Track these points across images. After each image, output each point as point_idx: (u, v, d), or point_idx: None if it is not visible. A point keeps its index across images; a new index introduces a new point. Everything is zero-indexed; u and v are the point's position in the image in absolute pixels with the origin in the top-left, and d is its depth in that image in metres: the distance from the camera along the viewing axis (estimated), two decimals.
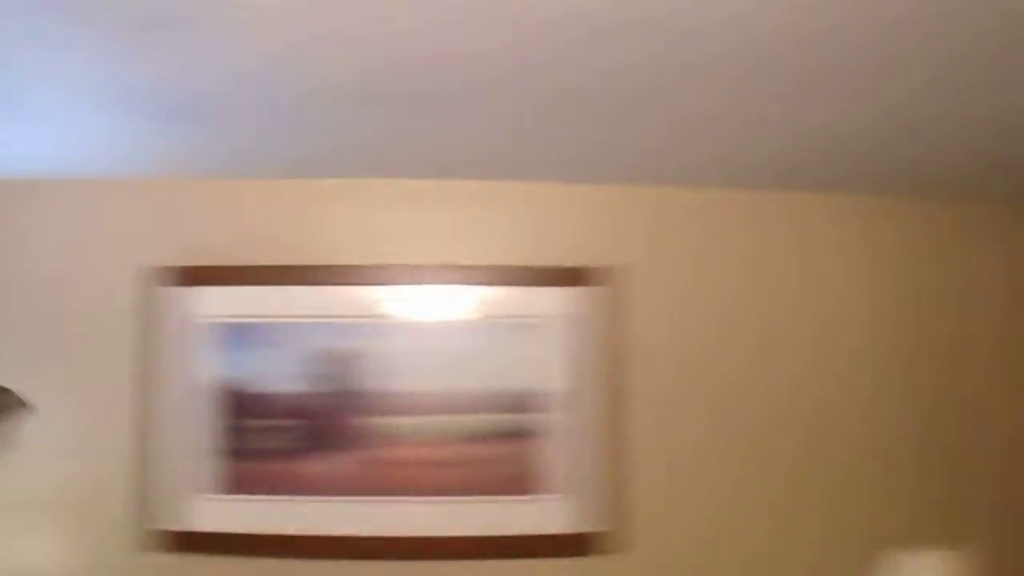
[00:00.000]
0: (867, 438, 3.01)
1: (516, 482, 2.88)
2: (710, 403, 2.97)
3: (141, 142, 2.70)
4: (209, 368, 2.92)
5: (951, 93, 2.29)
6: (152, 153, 2.80)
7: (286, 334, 2.92)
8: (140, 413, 2.94)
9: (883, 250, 3.12)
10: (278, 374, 2.91)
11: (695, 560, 2.91)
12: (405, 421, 2.88)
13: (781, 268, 3.06)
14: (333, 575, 2.90)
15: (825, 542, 2.94)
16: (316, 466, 2.90)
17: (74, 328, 2.98)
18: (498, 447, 2.88)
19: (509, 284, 2.91)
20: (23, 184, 3.02)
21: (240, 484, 2.92)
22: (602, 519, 2.88)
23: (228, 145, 2.73)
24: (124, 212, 3.05)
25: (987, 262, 3.16)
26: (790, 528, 2.95)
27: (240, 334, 2.93)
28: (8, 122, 2.55)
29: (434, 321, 2.93)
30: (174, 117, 2.48)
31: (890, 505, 2.98)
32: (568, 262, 2.95)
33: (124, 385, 2.96)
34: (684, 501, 2.93)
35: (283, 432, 2.92)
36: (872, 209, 3.12)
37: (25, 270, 3.02)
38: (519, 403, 2.89)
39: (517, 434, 2.88)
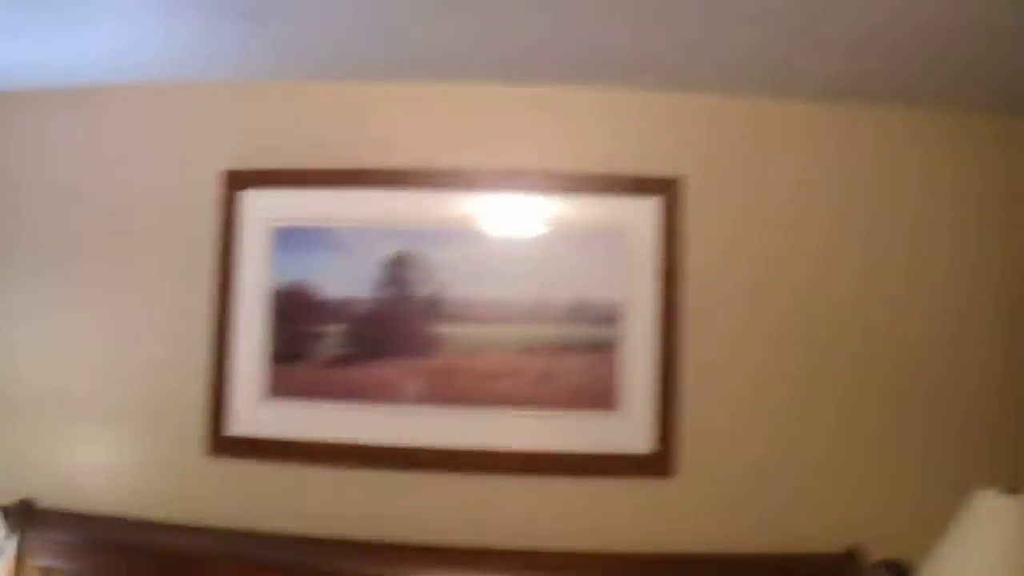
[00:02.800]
0: (938, 363, 2.91)
1: (578, 396, 2.82)
2: (772, 318, 2.88)
3: (215, 44, 2.71)
4: (280, 272, 2.91)
5: None
6: (227, 56, 2.81)
7: (356, 239, 2.88)
8: (214, 316, 2.97)
9: (962, 166, 2.99)
10: (350, 279, 2.89)
11: (756, 480, 2.84)
12: (470, 329, 2.84)
13: (847, 182, 2.95)
14: (400, 485, 2.89)
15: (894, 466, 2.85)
16: (384, 374, 2.87)
17: (151, 231, 3.05)
18: (563, 359, 2.82)
19: (577, 192, 2.84)
20: (101, 89, 3.09)
21: (307, 390, 2.90)
22: (664, 438, 2.82)
23: (303, 47, 2.73)
24: (200, 116, 3.07)
25: None
26: (850, 446, 2.86)
27: (310, 238, 2.91)
28: (83, 27, 2.57)
29: (500, 228, 2.88)
30: (249, 17, 2.47)
31: (970, 441, 2.87)
32: (635, 171, 2.88)
33: (200, 288, 3.00)
34: (745, 420, 2.86)
35: (353, 338, 2.89)
36: (954, 125, 2.99)
37: (99, 175, 3.10)
38: (583, 314, 2.82)
39: (584, 346, 2.82)
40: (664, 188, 2.81)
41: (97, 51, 2.81)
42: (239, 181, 2.94)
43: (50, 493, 3.00)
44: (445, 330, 2.83)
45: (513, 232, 2.85)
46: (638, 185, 2.82)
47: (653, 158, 2.88)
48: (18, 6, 2.47)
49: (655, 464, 2.78)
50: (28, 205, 3.15)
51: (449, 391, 2.83)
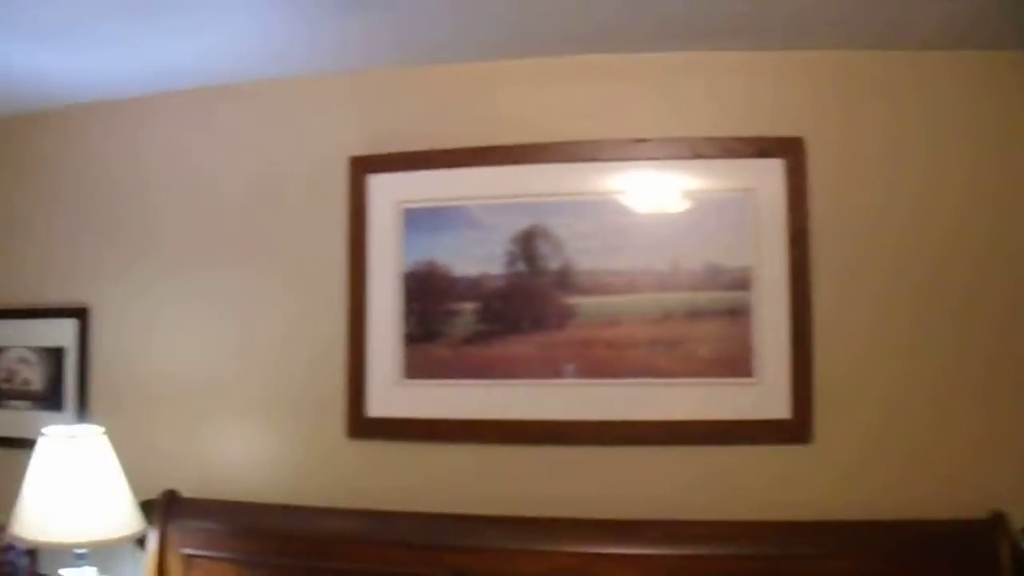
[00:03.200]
0: None
1: (714, 363, 2.80)
2: (909, 277, 2.79)
3: (332, 37, 2.79)
4: (411, 253, 2.97)
5: None
6: (346, 47, 2.89)
7: (485, 215, 2.92)
8: (348, 301, 3.03)
9: None
10: (481, 256, 2.92)
11: (895, 445, 2.76)
12: (604, 300, 2.84)
13: (977, 132, 2.82)
14: (538, 460, 2.89)
15: None
16: (519, 349, 2.89)
17: (282, 222, 3.15)
18: (697, 326, 2.80)
19: (703, 157, 2.82)
20: (227, 89, 3.21)
21: (443, 369, 2.93)
22: (801, 404, 2.76)
23: (420, 32, 2.77)
24: (325, 107, 3.15)
25: None
26: (994, 411, 2.75)
27: (439, 217, 2.95)
28: (204, 30, 2.70)
29: (628, 197, 2.87)
30: (366, 6, 2.54)
31: None
32: (761, 132, 2.84)
33: (333, 274, 3.06)
34: (884, 384, 2.78)
35: (487, 315, 2.92)
36: None
37: (229, 172, 3.22)
38: (716, 280, 2.80)
39: (718, 313, 2.80)
40: (789, 148, 2.77)
41: (221, 52, 2.91)
42: (367, 166, 2.99)
43: (193, 484, 3.07)
44: (579, 302, 2.84)
45: (641, 200, 2.84)
46: (764, 147, 2.78)
47: (778, 119, 2.84)
48: (134, 17, 2.58)
49: (793, 430, 2.74)
50: (162, 205, 3.28)
51: (585, 364, 2.83)
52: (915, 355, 2.76)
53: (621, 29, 2.74)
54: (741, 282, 2.77)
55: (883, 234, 2.80)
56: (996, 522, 2.54)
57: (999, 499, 2.61)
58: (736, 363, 2.76)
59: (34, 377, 3.41)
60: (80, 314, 3.34)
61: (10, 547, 3.25)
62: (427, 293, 2.93)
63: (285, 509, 2.98)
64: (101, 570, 2.94)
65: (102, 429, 2.91)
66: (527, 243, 2.87)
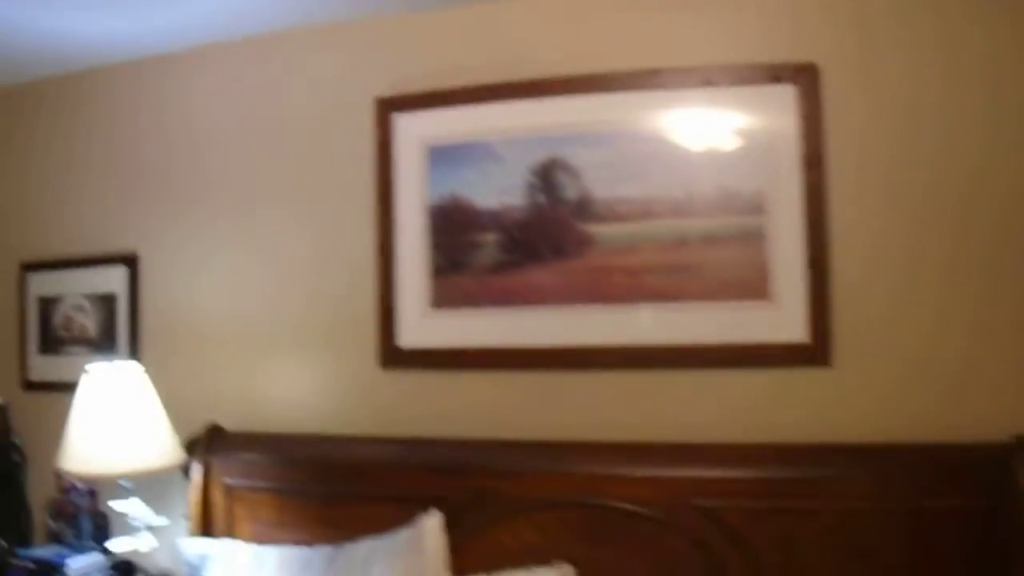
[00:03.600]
0: None
1: (731, 287, 2.82)
2: (926, 203, 2.76)
3: None
4: (436, 188, 3.08)
5: None
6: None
7: (506, 149, 3.01)
8: (377, 236, 3.16)
9: None
10: (502, 189, 3.01)
11: (915, 369, 2.74)
12: (621, 228, 2.90)
13: (997, 60, 2.76)
14: (562, 385, 2.97)
15: None
16: (540, 277, 2.97)
17: (314, 165, 3.30)
18: (713, 251, 2.83)
19: (716, 84, 2.85)
20: (260, 40, 3.39)
21: (468, 299, 3.04)
22: (819, 327, 2.77)
23: None
24: (350, 52, 3.29)
25: None
26: (1015, 333, 2.71)
27: (462, 153, 3.05)
28: None
29: (643, 127, 2.91)
30: None
31: None
32: (774, 59, 2.85)
33: (363, 212, 3.20)
34: (903, 308, 2.76)
35: (509, 245, 3.02)
36: None
37: (264, 120, 3.38)
38: (730, 205, 2.83)
39: (733, 238, 2.82)
40: (803, 74, 2.78)
41: (254, 6, 3.06)
42: (392, 106, 3.11)
43: (236, 419, 3.23)
44: (596, 230, 2.90)
45: (656, 129, 2.89)
46: (777, 73, 2.80)
47: (792, 45, 2.85)
48: None
49: (812, 353, 2.75)
50: (206, 156, 3.46)
51: (604, 290, 2.89)
52: (935, 279, 2.75)
53: None
54: (756, 207, 2.79)
55: (900, 160, 2.78)
56: (1020, 444, 2.50)
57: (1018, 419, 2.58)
58: (752, 287, 2.79)
59: (89, 324, 3.59)
60: (130, 261, 3.50)
61: (72, 487, 3.42)
62: (451, 226, 3.04)
63: (320, 439, 3.12)
64: (150, 502, 3.10)
65: (142, 366, 3.09)
66: (546, 174, 2.95)
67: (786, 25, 2.86)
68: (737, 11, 2.90)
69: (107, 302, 3.56)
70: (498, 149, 2.99)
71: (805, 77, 2.78)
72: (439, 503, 2.81)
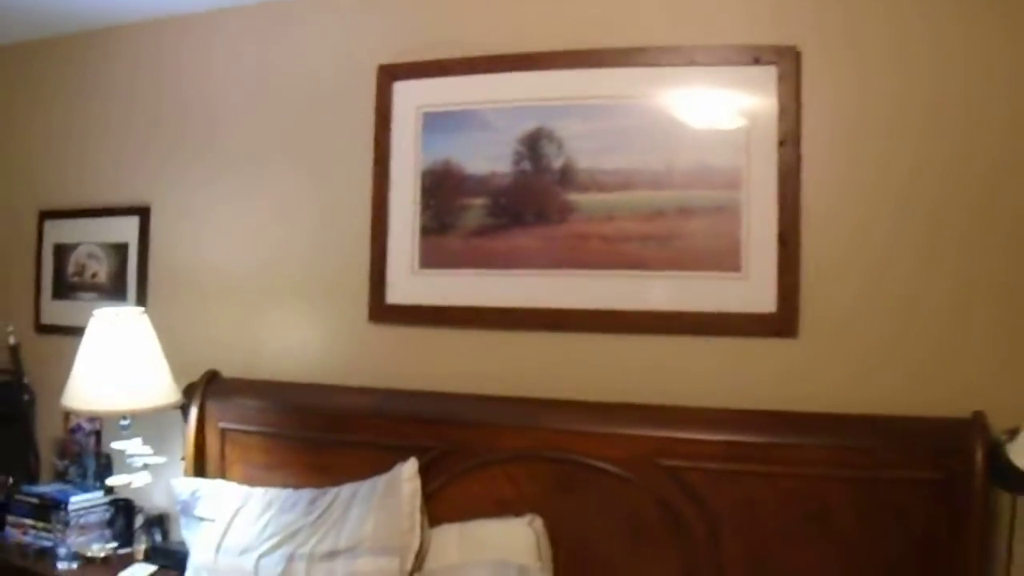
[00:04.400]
0: None
1: (704, 258, 2.94)
2: (896, 183, 2.83)
3: None
4: (429, 152, 3.23)
5: None
6: None
7: (496, 118, 3.14)
8: (372, 197, 3.31)
9: None
10: (491, 155, 3.15)
11: (880, 343, 2.82)
12: (601, 197, 3.02)
13: (978, 45, 2.81)
14: (540, 345, 3.11)
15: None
16: (523, 242, 3.10)
17: (316, 126, 3.45)
18: (688, 222, 2.94)
19: (699, 63, 2.96)
20: (267, 5, 3.57)
21: (455, 260, 3.18)
22: (786, 299, 2.87)
23: None
24: (353, 20, 3.45)
25: None
26: (976, 312, 2.77)
27: (455, 120, 3.20)
28: None
29: (627, 101, 3.03)
30: None
31: None
32: (755, 40, 2.94)
33: (360, 173, 3.34)
34: (869, 284, 2.84)
35: (495, 210, 3.15)
36: None
37: (272, 82, 3.56)
38: (706, 179, 2.94)
39: (708, 210, 2.94)
40: (783, 56, 2.88)
41: None
42: (392, 74, 3.26)
43: (236, 366, 3.40)
44: (577, 199, 3.03)
45: (640, 104, 3.00)
46: (758, 54, 2.90)
47: (775, 28, 2.94)
48: None
49: (779, 324, 2.86)
50: (217, 114, 3.64)
51: (582, 256, 3.02)
52: (901, 257, 2.82)
53: None
54: (732, 182, 2.90)
55: (887, 143, 2.84)
56: (976, 421, 2.56)
57: (984, 401, 2.64)
58: (724, 258, 2.90)
59: (101, 271, 3.76)
60: (142, 212, 3.69)
61: (78, 427, 3.60)
62: (442, 189, 3.18)
63: (310, 387, 3.27)
64: (149, 442, 3.30)
65: (142, 310, 3.29)
66: (532, 144, 3.08)
67: (770, 8, 2.95)
68: None
69: (119, 251, 3.75)
70: (489, 118, 3.13)
71: (785, 59, 2.88)
72: (418, 452, 2.95)
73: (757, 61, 2.90)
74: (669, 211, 2.95)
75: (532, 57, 3.09)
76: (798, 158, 2.86)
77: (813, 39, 2.89)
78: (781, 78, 2.87)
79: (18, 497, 3.47)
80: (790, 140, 2.85)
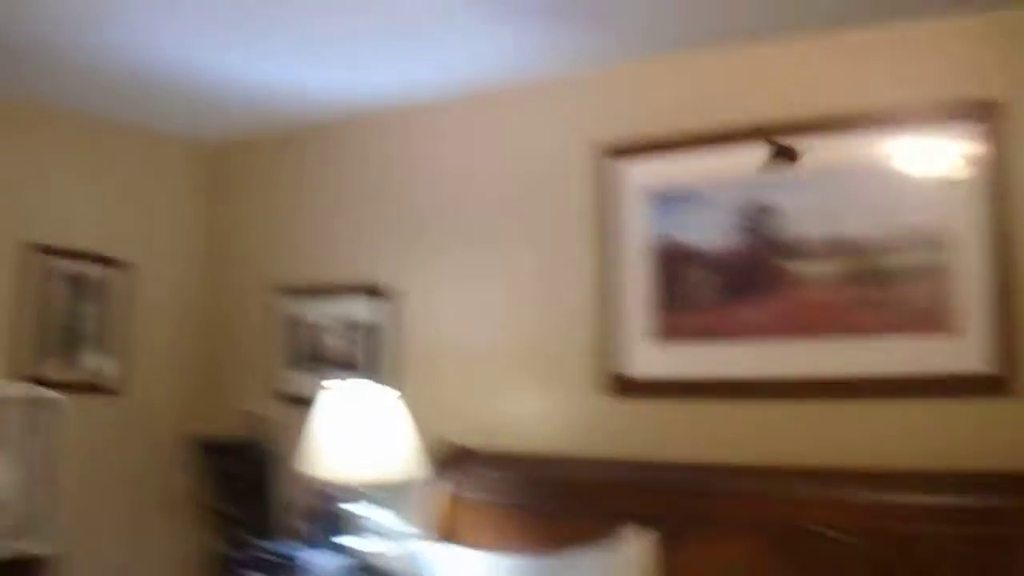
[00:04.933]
0: None
1: (926, 320, 2.94)
2: None
3: (564, 43, 3.28)
4: (649, 229, 3.37)
5: None
6: (576, 52, 3.37)
7: (718, 193, 3.26)
8: (595, 271, 3.47)
9: None
10: (715, 230, 3.27)
11: None
12: (820, 267, 3.08)
13: None
14: (771, 414, 3.17)
15: None
16: (748, 313, 3.19)
17: (537, 206, 3.65)
18: (907, 287, 2.96)
19: (903, 126, 3.00)
20: (482, 98, 3.82)
21: (691, 333, 3.30)
22: (1005, 359, 2.84)
23: (641, 31, 3.19)
24: (570, 105, 3.64)
25: None
26: None
27: (674, 197, 3.34)
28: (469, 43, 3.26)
29: (837, 169, 3.09)
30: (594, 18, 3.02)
31: None
32: (958, 96, 2.94)
33: (581, 247, 3.51)
34: None
35: (723, 283, 3.26)
36: None
37: (503, 158, 3.76)
38: (915, 242, 2.96)
39: (919, 273, 2.95)
40: (988, 112, 2.88)
41: (488, 62, 3.47)
42: (613, 153, 3.46)
43: (474, 437, 3.57)
44: (799, 269, 3.11)
45: (850, 172, 3.07)
46: (963, 109, 2.91)
47: (976, 83, 2.93)
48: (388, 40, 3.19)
49: (994, 384, 2.85)
50: (427, 202, 3.92)
51: (803, 324, 3.11)
52: None
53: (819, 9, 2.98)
54: (942, 243, 2.92)
55: None
56: None
57: None
58: (937, 321, 2.93)
59: (339, 345, 4.09)
60: (375, 292, 3.99)
61: (314, 491, 3.80)
62: (670, 264, 3.32)
63: (558, 460, 3.42)
64: (383, 508, 3.46)
65: (377, 384, 3.47)
66: (754, 217, 3.19)
67: (972, 63, 2.95)
68: (920, 51, 3.02)
69: (355, 327, 4.02)
70: (710, 192, 3.26)
71: (992, 114, 2.88)
72: (650, 521, 3.01)
73: (963, 117, 2.91)
74: (882, 275, 3.00)
75: (746, 132, 3.22)
76: (1011, 215, 2.86)
77: (1018, 94, 2.88)
78: (988, 133, 2.89)
79: (255, 553, 3.67)
80: (1000, 197, 2.86)
